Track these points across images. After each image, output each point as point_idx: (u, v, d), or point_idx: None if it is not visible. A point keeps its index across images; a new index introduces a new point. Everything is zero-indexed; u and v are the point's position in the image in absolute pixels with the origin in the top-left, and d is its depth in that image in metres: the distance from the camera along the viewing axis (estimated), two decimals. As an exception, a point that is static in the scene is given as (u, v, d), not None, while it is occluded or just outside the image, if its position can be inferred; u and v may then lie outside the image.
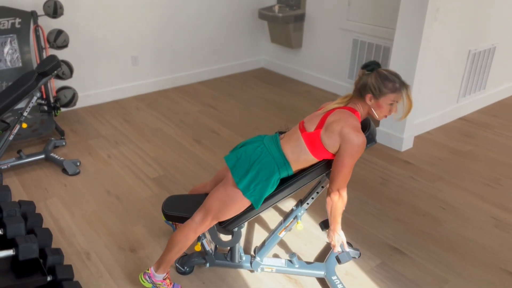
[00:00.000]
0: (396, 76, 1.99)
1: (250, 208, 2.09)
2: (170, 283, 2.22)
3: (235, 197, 2.04)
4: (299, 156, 2.02)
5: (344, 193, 2.01)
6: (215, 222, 2.13)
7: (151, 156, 3.59)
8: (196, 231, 2.11)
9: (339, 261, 2.12)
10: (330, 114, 2.01)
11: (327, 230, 2.18)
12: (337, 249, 2.12)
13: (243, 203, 2.06)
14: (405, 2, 3.37)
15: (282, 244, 2.66)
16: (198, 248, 2.29)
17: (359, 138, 1.91)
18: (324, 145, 1.98)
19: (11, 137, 3.18)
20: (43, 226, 2.70)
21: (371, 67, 2.00)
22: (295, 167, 2.05)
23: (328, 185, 2.05)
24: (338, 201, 2.01)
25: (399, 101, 1.99)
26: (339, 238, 2.11)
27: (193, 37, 5.07)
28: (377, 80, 1.96)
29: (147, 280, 2.19)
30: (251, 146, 2.12)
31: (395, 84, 1.96)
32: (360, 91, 2.01)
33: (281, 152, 2.04)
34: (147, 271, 2.20)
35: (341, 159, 1.94)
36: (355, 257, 2.18)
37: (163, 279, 2.20)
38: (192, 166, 3.46)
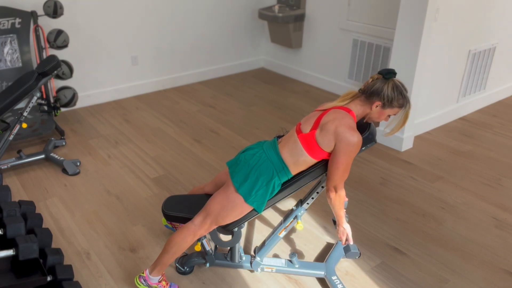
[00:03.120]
0: (407, 91, 2.04)
1: (251, 210, 2.09)
2: (167, 284, 2.22)
3: (236, 202, 2.04)
4: (298, 158, 2.02)
5: (341, 191, 2.04)
6: (215, 226, 2.12)
7: (151, 156, 3.59)
8: (195, 234, 2.11)
9: (344, 252, 2.19)
10: (325, 114, 2.02)
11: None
12: (343, 242, 2.19)
13: (244, 209, 2.06)
14: (405, 2, 3.37)
15: (282, 244, 2.66)
16: (198, 248, 2.29)
17: (353, 137, 1.92)
18: (320, 145, 1.98)
19: (11, 137, 3.17)
20: (43, 226, 2.70)
21: (389, 76, 1.99)
22: (295, 170, 2.05)
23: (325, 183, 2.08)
24: (335, 199, 2.06)
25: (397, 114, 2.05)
26: (344, 231, 2.17)
27: (193, 37, 5.07)
28: (393, 92, 1.98)
29: (142, 284, 2.19)
30: (250, 152, 2.12)
31: (405, 101, 2.02)
32: (371, 95, 2.00)
33: (279, 157, 2.04)
34: (142, 274, 2.19)
35: (336, 157, 1.96)
36: (357, 253, 2.20)
37: (159, 282, 2.19)
38: (192, 166, 3.46)
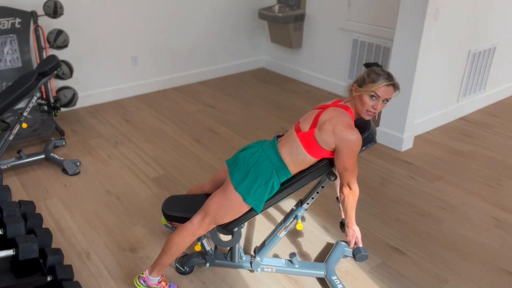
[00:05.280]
0: (386, 73, 1.98)
1: (250, 210, 2.09)
2: (166, 284, 2.22)
3: (235, 201, 2.04)
4: (297, 157, 2.02)
5: (354, 187, 2.05)
6: (213, 225, 2.12)
7: (151, 156, 3.59)
8: (193, 234, 2.11)
9: (354, 256, 2.17)
10: (322, 112, 2.02)
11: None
12: (352, 244, 2.19)
13: (243, 208, 2.06)
14: (405, 2, 3.37)
15: (282, 244, 2.66)
16: (198, 248, 2.29)
17: (353, 135, 1.92)
18: (319, 144, 1.98)
19: (11, 137, 3.17)
20: (43, 226, 2.70)
21: (367, 65, 2.05)
22: (294, 169, 2.05)
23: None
24: (349, 195, 2.06)
25: (380, 95, 1.95)
26: (353, 233, 2.17)
27: (193, 37, 5.07)
28: (365, 73, 2.02)
29: (142, 284, 2.18)
30: (250, 151, 2.12)
31: (378, 77, 1.96)
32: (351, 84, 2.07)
33: (279, 156, 2.04)
34: (142, 275, 2.19)
35: (341, 157, 1.96)
36: (367, 255, 2.19)
37: (158, 282, 2.19)
38: (192, 166, 3.46)
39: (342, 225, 2.32)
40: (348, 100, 2.07)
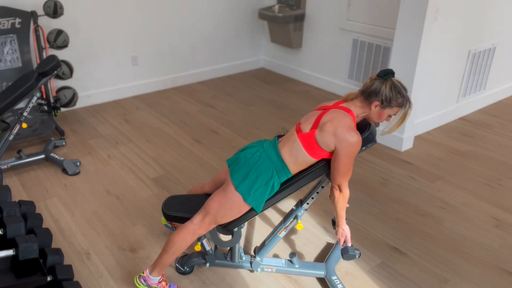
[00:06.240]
0: (406, 90, 2.03)
1: (250, 209, 2.09)
2: (166, 284, 2.22)
3: (235, 200, 2.04)
4: (297, 157, 2.02)
5: (345, 189, 2.05)
6: (214, 225, 2.12)
7: (151, 156, 3.59)
8: (194, 233, 2.11)
9: (342, 255, 2.16)
10: (324, 113, 2.02)
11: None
12: (341, 243, 2.18)
13: (243, 207, 2.06)
14: (405, 2, 3.37)
15: (282, 244, 2.66)
16: (198, 248, 2.29)
17: (353, 137, 1.93)
18: (319, 145, 1.98)
19: (11, 137, 3.17)
20: (43, 226, 2.70)
21: (387, 76, 2.00)
22: (294, 169, 2.05)
23: (330, 182, 2.09)
24: (339, 197, 2.06)
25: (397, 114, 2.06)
26: (343, 232, 2.16)
27: (193, 37, 5.08)
28: (391, 91, 1.98)
29: (142, 283, 2.18)
30: (250, 150, 2.12)
31: (404, 100, 2.01)
32: (370, 95, 2.01)
33: (279, 156, 2.05)
34: (142, 274, 2.19)
35: (338, 158, 1.96)
36: (355, 255, 2.19)
37: (159, 282, 2.19)
38: (192, 166, 3.46)
39: (334, 222, 2.32)
40: (352, 103, 2.07)
